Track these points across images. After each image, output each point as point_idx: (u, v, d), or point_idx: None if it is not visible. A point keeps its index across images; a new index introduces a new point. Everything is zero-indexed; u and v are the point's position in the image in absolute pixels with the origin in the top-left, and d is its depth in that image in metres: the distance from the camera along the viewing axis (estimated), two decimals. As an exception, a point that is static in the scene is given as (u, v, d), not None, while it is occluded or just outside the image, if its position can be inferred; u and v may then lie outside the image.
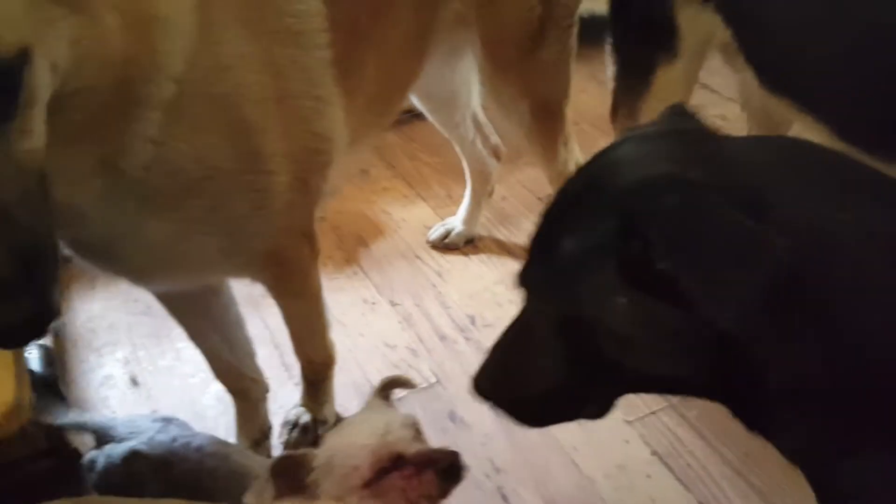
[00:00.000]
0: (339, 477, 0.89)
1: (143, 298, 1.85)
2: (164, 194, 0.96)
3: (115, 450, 1.09)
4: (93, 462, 1.10)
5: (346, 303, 1.79)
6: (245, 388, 1.44)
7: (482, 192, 1.93)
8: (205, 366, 1.64)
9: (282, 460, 0.90)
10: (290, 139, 1.11)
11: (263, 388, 1.47)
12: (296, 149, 1.13)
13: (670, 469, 1.35)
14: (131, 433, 1.11)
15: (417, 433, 0.95)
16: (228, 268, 1.19)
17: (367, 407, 1.04)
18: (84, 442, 1.44)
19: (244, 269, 1.21)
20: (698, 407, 1.46)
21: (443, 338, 1.69)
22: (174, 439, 1.08)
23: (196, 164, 0.97)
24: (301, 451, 0.93)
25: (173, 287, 1.22)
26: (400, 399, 1.54)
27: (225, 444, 1.22)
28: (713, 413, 1.46)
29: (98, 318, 1.81)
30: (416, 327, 1.72)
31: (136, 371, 1.66)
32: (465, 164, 1.91)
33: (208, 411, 1.55)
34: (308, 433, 1.46)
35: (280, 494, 0.88)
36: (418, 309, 1.77)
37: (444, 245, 1.95)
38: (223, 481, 1.01)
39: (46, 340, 1.43)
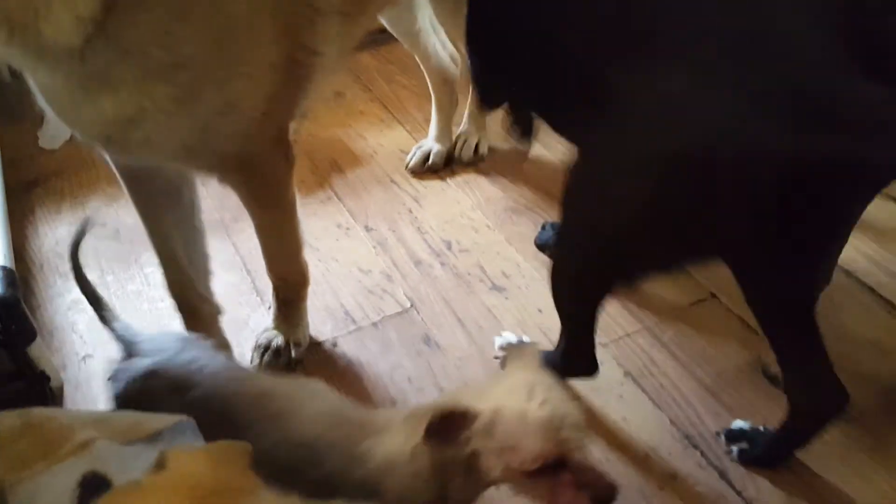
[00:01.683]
0: (499, 450, 0.84)
1: (110, 223, 1.82)
2: (120, 75, 0.93)
3: (136, 365, 1.07)
4: (115, 375, 1.09)
5: (319, 228, 1.76)
6: (196, 306, 1.40)
7: (448, 104, 1.88)
8: (175, 290, 1.63)
9: (443, 412, 0.84)
10: (277, 48, 1.07)
11: (215, 310, 1.44)
12: (281, 59, 1.09)
13: (643, 389, 1.35)
14: (154, 350, 1.09)
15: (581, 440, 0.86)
16: (194, 162, 1.16)
17: (532, 373, 0.90)
18: (53, 367, 1.43)
19: (211, 169, 1.18)
20: (673, 329, 1.46)
21: (418, 263, 1.66)
22: (192, 360, 1.05)
23: (164, 50, 0.93)
24: (464, 406, 0.85)
25: (136, 162, 1.19)
26: (375, 323, 1.53)
27: (242, 368, 1.21)
28: (687, 335, 1.46)
29: (65, 243, 1.76)
30: (391, 252, 1.70)
31: (105, 296, 1.62)
32: (427, 77, 1.86)
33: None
34: (280, 356, 1.44)
35: (428, 440, 0.84)
36: (393, 234, 1.74)
37: (427, 169, 1.90)
38: (241, 406, 0.98)
39: (7, 261, 1.38)
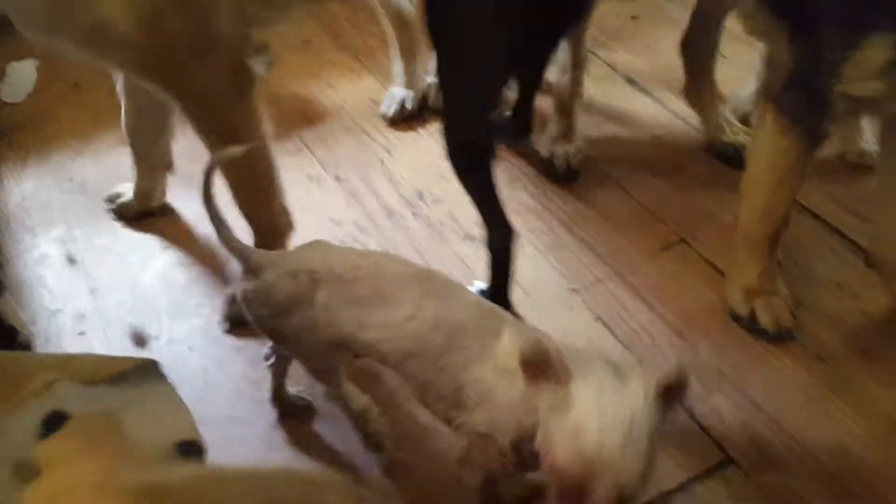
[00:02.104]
0: (550, 434, 0.77)
1: (76, 177, 1.79)
2: None
3: (246, 286, 1.07)
4: (232, 296, 1.18)
5: (288, 179, 1.70)
6: (275, 218, 1.39)
7: (411, 47, 1.85)
8: (144, 244, 1.61)
9: (544, 353, 0.77)
10: None
11: (291, 222, 1.42)
12: None
13: (613, 333, 1.37)
14: (265, 268, 1.06)
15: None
16: (142, 76, 1.17)
17: (637, 394, 0.77)
18: (22, 321, 1.42)
19: (159, 83, 1.17)
20: (642, 274, 1.47)
21: (390, 213, 1.66)
22: (298, 285, 1.03)
23: None
24: (565, 365, 0.77)
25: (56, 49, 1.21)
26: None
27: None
28: (657, 280, 1.47)
29: (31, 198, 1.73)
30: (363, 203, 1.69)
31: (73, 250, 1.60)
32: (386, 20, 1.83)
33: (149, 290, 1.51)
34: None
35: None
36: (365, 185, 1.73)
37: (407, 116, 1.88)
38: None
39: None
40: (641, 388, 0.76)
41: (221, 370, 1.36)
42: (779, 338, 1.32)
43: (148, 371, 0.78)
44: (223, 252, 1.56)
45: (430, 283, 1.02)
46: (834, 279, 1.44)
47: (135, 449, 0.70)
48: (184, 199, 1.66)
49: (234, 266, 1.53)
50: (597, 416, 0.73)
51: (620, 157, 1.74)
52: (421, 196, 1.69)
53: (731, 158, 1.66)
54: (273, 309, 1.04)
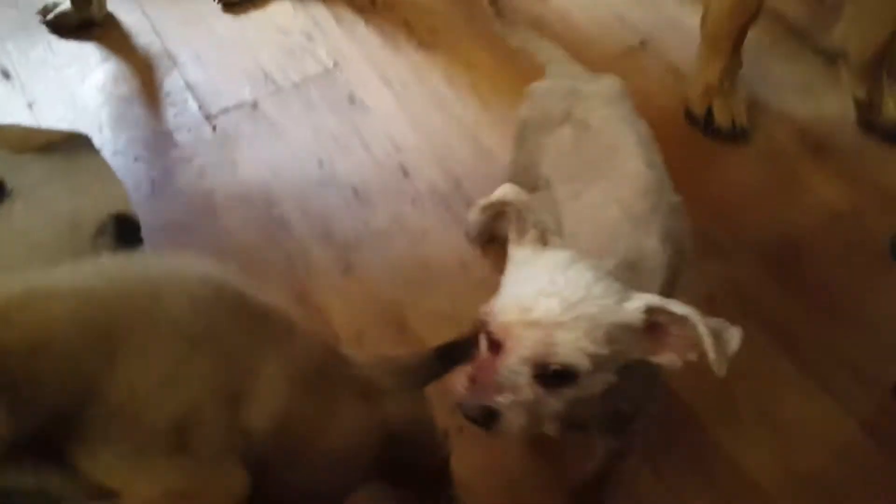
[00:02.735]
0: None
1: (3, -12, 1.66)
2: None
3: None
4: None
5: None
6: None
7: None
8: (81, 56, 1.53)
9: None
10: None
11: None
12: None
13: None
14: None
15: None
16: None
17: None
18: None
19: None
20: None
21: (340, 21, 1.58)
22: None
23: None
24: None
25: None
26: (296, 84, 1.47)
27: None
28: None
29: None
30: (311, 11, 1.60)
31: (6, 64, 1.51)
32: None
33: (89, 103, 1.45)
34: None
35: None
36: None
37: None
38: None
39: None
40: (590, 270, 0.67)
41: (167, 180, 1.33)
42: (733, 137, 1.32)
43: (79, 143, 0.75)
44: (164, 64, 1.51)
45: None
46: (794, 81, 1.42)
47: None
48: (125, 9, 1.57)
49: (174, 78, 1.47)
50: (532, 283, 0.66)
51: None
52: (373, 2, 1.61)
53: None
54: None
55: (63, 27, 1.56)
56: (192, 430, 0.55)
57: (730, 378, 0.62)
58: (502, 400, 0.63)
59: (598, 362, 0.63)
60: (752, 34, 1.33)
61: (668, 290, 0.78)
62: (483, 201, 0.72)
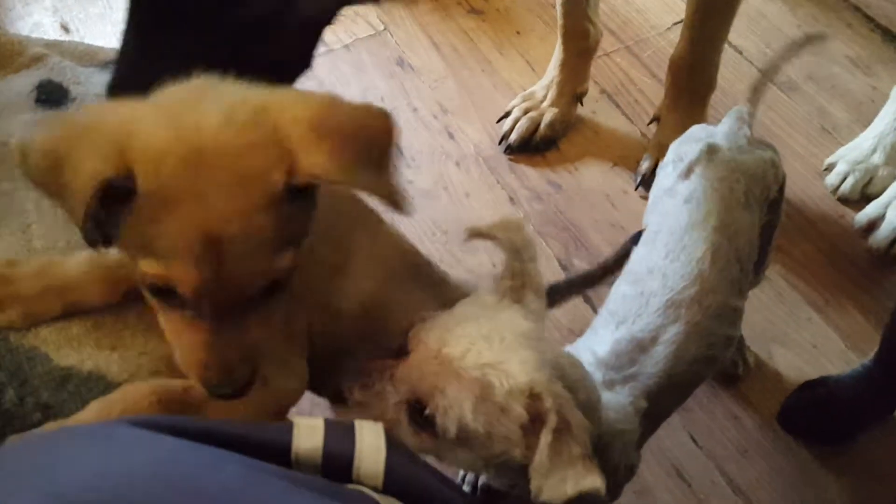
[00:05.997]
0: None
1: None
2: None
3: None
4: None
5: None
6: (585, 28, 1.26)
7: None
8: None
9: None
10: None
11: (599, 34, 1.29)
12: None
13: (617, 105, 1.35)
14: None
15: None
16: None
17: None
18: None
19: None
20: (652, 48, 1.43)
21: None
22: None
23: None
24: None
25: None
26: (347, 45, 1.49)
27: None
28: (666, 54, 1.43)
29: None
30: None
31: (67, 18, 1.56)
32: None
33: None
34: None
35: None
36: None
37: None
38: None
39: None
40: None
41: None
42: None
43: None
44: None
45: None
46: (847, 54, 1.40)
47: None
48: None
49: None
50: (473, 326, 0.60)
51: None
52: None
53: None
54: None
55: (121, -16, 1.59)
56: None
57: None
58: (360, 398, 0.60)
59: (464, 438, 0.57)
60: (807, 7, 1.31)
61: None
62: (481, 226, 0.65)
